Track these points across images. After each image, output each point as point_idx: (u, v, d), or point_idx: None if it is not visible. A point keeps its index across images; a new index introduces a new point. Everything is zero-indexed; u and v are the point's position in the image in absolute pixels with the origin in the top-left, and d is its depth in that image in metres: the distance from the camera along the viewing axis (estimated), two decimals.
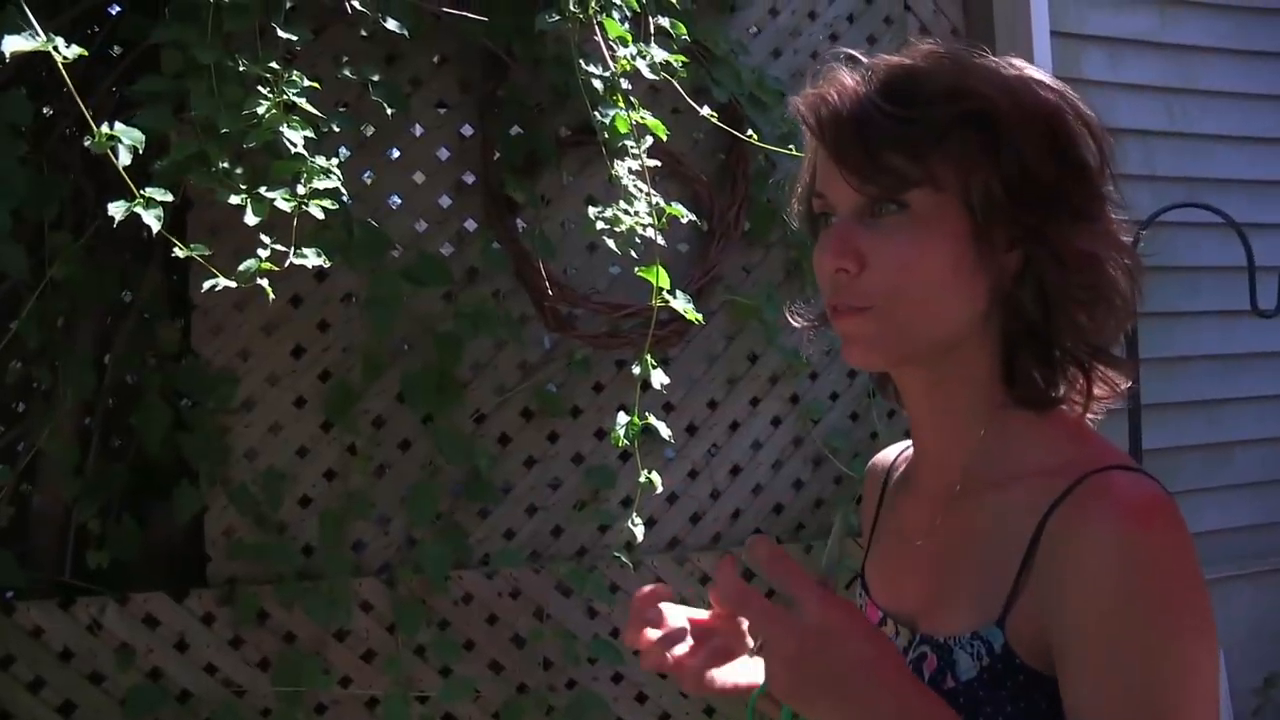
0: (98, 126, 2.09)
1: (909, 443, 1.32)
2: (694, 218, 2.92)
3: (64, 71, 2.04)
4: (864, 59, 1.12)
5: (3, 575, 2.64)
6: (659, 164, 2.83)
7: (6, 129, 2.25)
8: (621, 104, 2.63)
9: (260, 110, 2.24)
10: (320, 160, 2.36)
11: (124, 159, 2.10)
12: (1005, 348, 1.11)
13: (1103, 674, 0.97)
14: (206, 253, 2.25)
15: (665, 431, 2.88)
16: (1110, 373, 1.12)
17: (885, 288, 1.06)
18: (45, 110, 2.64)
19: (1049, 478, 1.04)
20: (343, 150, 2.91)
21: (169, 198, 2.18)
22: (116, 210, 2.13)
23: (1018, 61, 1.11)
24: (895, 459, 1.35)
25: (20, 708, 2.65)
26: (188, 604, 2.80)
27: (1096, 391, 1.12)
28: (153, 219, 2.15)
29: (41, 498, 2.77)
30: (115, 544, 2.75)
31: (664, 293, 2.73)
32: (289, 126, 2.31)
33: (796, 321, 1.29)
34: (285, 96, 2.27)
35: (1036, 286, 1.07)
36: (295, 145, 2.27)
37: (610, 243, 2.70)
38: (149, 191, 2.16)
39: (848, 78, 1.09)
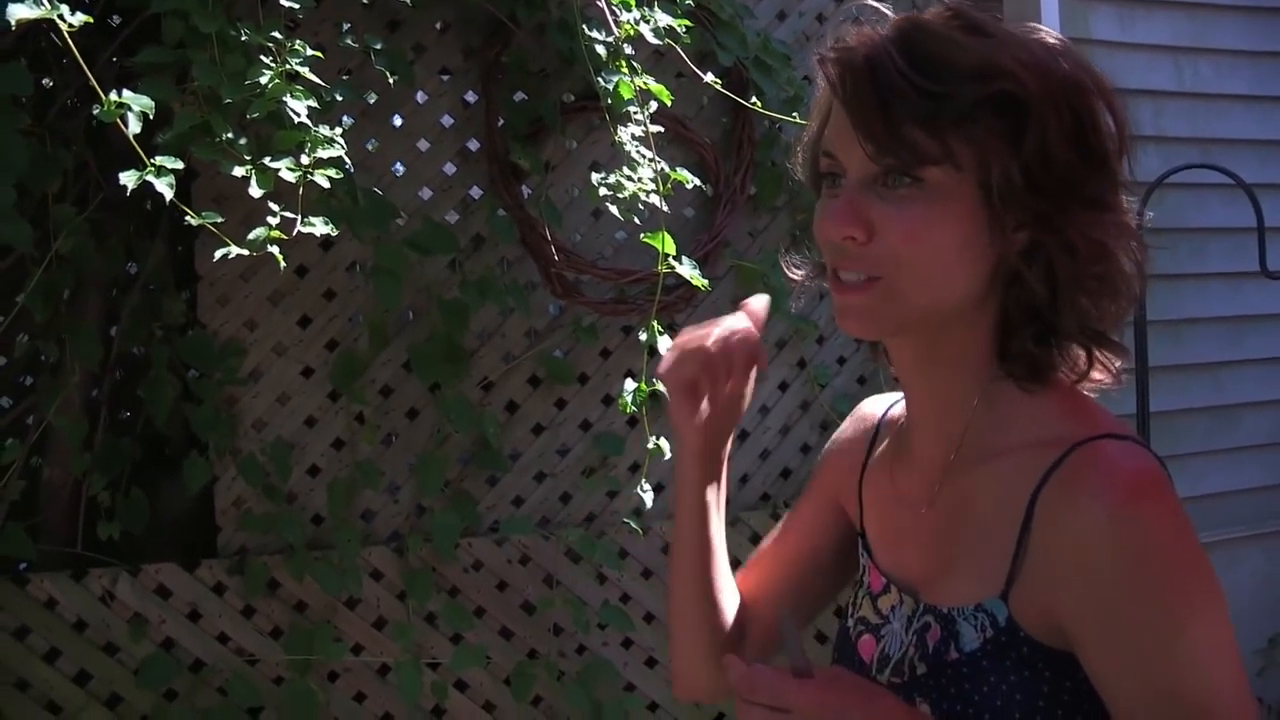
0: (104, 97, 2.08)
1: (900, 395, 1.30)
2: (699, 183, 2.90)
3: (69, 39, 2.02)
4: (892, 15, 1.09)
5: (15, 548, 2.65)
6: (663, 129, 2.81)
7: (7, 101, 2.24)
8: (625, 69, 2.61)
9: (263, 80, 2.22)
10: (324, 129, 2.35)
11: (134, 127, 2.09)
12: (1003, 324, 1.11)
13: (1124, 662, 0.98)
14: (219, 220, 2.24)
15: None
16: (1105, 355, 1.12)
17: (891, 258, 1.05)
18: (45, 82, 2.63)
19: (1041, 448, 1.05)
20: (346, 118, 2.90)
21: (180, 165, 2.17)
22: (129, 179, 2.13)
23: (1042, 29, 1.09)
24: (885, 413, 1.33)
25: (36, 678, 2.67)
26: (199, 574, 2.81)
27: (1093, 374, 1.12)
28: (165, 187, 2.14)
29: (51, 471, 2.77)
30: (126, 516, 2.75)
31: (669, 258, 2.72)
32: (292, 96, 2.30)
33: (793, 274, 1.27)
34: (288, 66, 2.26)
35: (1045, 271, 1.06)
36: (299, 115, 2.25)
37: (614, 209, 2.69)
38: (159, 160, 2.15)
39: (877, 37, 1.05)
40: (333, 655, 2.85)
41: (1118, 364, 1.13)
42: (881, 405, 1.35)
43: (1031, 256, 1.06)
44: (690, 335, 1.24)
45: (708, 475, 1.30)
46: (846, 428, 1.38)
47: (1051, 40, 1.07)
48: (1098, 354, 1.11)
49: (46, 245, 2.48)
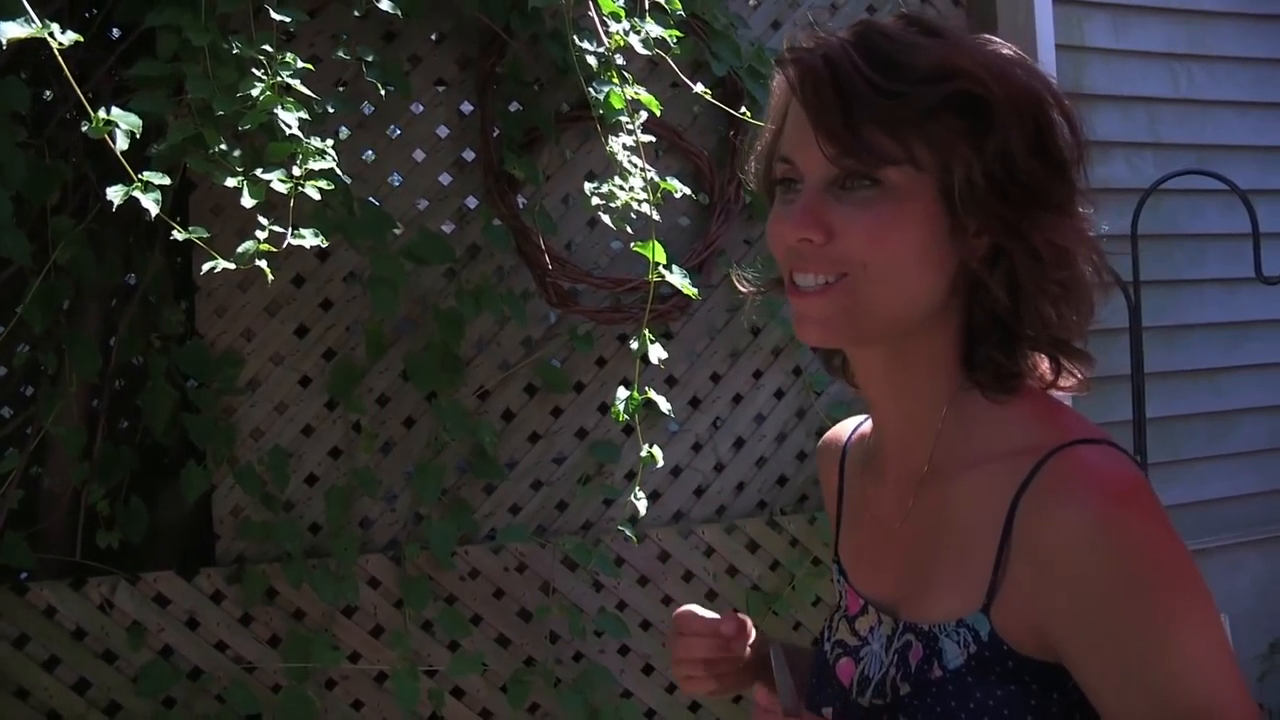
0: (96, 111, 2.11)
1: (863, 417, 1.30)
2: (689, 192, 2.92)
3: (60, 57, 2.05)
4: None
5: (14, 557, 2.67)
6: (656, 139, 2.83)
7: (4, 115, 2.26)
8: (616, 80, 2.63)
9: (254, 93, 2.25)
10: (316, 141, 2.37)
11: (121, 143, 2.12)
12: (966, 333, 1.10)
13: (1116, 670, 0.97)
14: (205, 234, 2.26)
15: (665, 406, 2.90)
16: (1071, 364, 1.11)
17: (851, 259, 1.04)
18: (46, 94, 2.65)
19: (1015, 457, 1.04)
20: (344, 130, 2.92)
21: (167, 181, 2.20)
22: (115, 195, 2.15)
23: (996, 40, 1.09)
24: (850, 436, 1.32)
25: (36, 686, 2.69)
26: (197, 583, 2.83)
27: (1060, 382, 1.11)
28: (151, 202, 2.16)
29: (51, 480, 2.79)
30: (125, 524, 2.78)
31: (661, 267, 2.74)
32: (284, 108, 2.32)
33: (743, 286, 1.27)
34: (279, 78, 2.28)
35: (1008, 277, 1.06)
36: (290, 127, 2.28)
37: (607, 218, 2.71)
38: (147, 175, 2.18)
39: (835, 39, 1.05)
40: (330, 663, 2.86)
41: (1083, 372, 1.12)
42: (846, 428, 1.34)
43: (993, 262, 1.06)
44: (684, 647, 1.31)
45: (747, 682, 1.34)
46: (820, 468, 1.37)
47: (1006, 50, 1.08)
48: (1063, 362, 1.10)
49: (46, 256, 2.51)
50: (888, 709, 1.09)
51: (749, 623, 1.30)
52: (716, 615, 1.31)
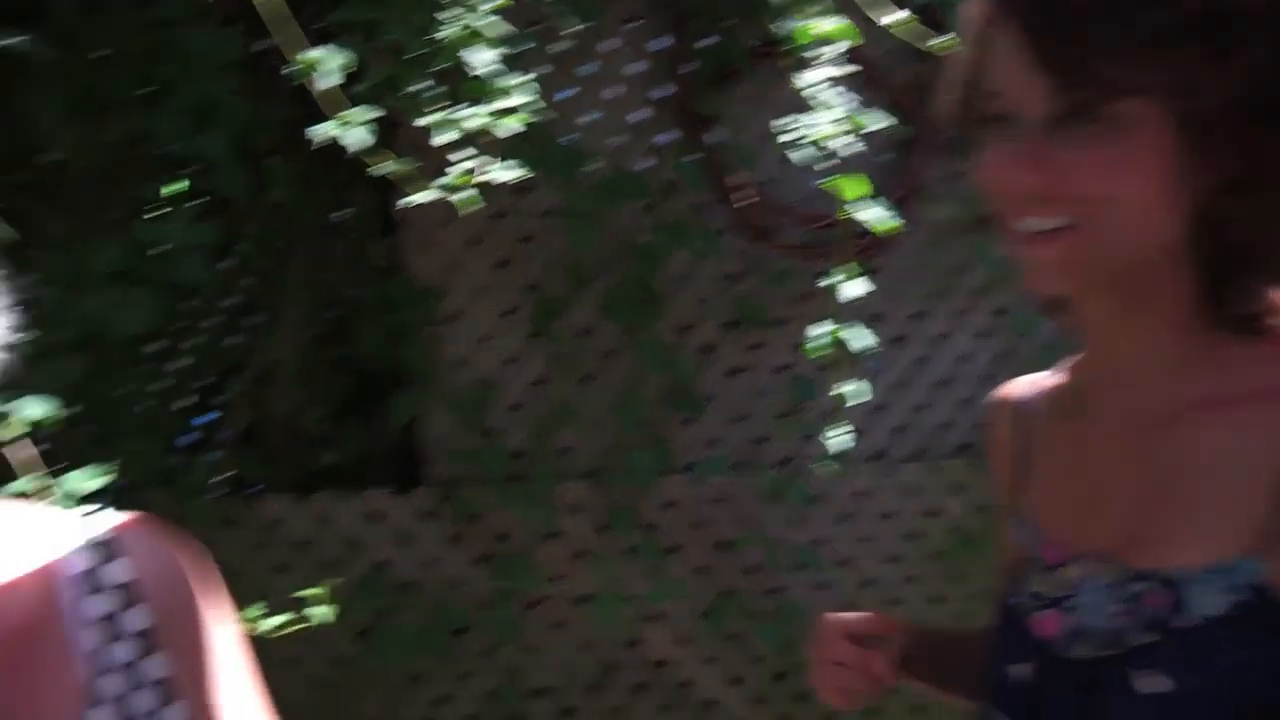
0: (303, 55, 2.26)
1: (1039, 375, 1.23)
2: (888, 125, 2.86)
3: (265, 4, 2.20)
4: None
5: (246, 470, 2.91)
6: (853, 70, 2.78)
7: (221, 64, 2.44)
8: (804, 13, 2.60)
9: (445, 34, 2.34)
10: (509, 79, 2.45)
11: (325, 83, 2.25)
12: (1207, 268, 1.02)
13: None
14: (403, 168, 2.38)
15: (861, 342, 2.87)
16: None
17: (1084, 203, 0.97)
18: (262, 43, 2.83)
19: None
20: (544, 67, 2.98)
21: (371, 115, 2.32)
22: (321, 132, 2.29)
23: None
24: (1031, 391, 1.23)
25: (269, 589, 2.92)
26: (409, 501, 3.00)
27: None
28: (354, 139, 2.29)
29: (276, 404, 3.01)
30: (342, 445, 2.98)
31: (855, 203, 2.70)
32: (486, 46, 2.41)
33: (943, 224, 1.24)
34: (468, 20, 2.37)
35: (1252, 208, 0.97)
36: (479, 66, 2.37)
37: (799, 154, 2.68)
38: (348, 113, 2.31)
39: None
40: (533, 583, 2.99)
41: None
42: (1021, 385, 1.25)
43: (1235, 193, 0.97)
44: (830, 674, 1.29)
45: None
46: (992, 425, 1.29)
47: None
48: None
49: (263, 197, 2.69)
50: (1115, 660, 1.01)
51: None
52: (863, 620, 1.30)
